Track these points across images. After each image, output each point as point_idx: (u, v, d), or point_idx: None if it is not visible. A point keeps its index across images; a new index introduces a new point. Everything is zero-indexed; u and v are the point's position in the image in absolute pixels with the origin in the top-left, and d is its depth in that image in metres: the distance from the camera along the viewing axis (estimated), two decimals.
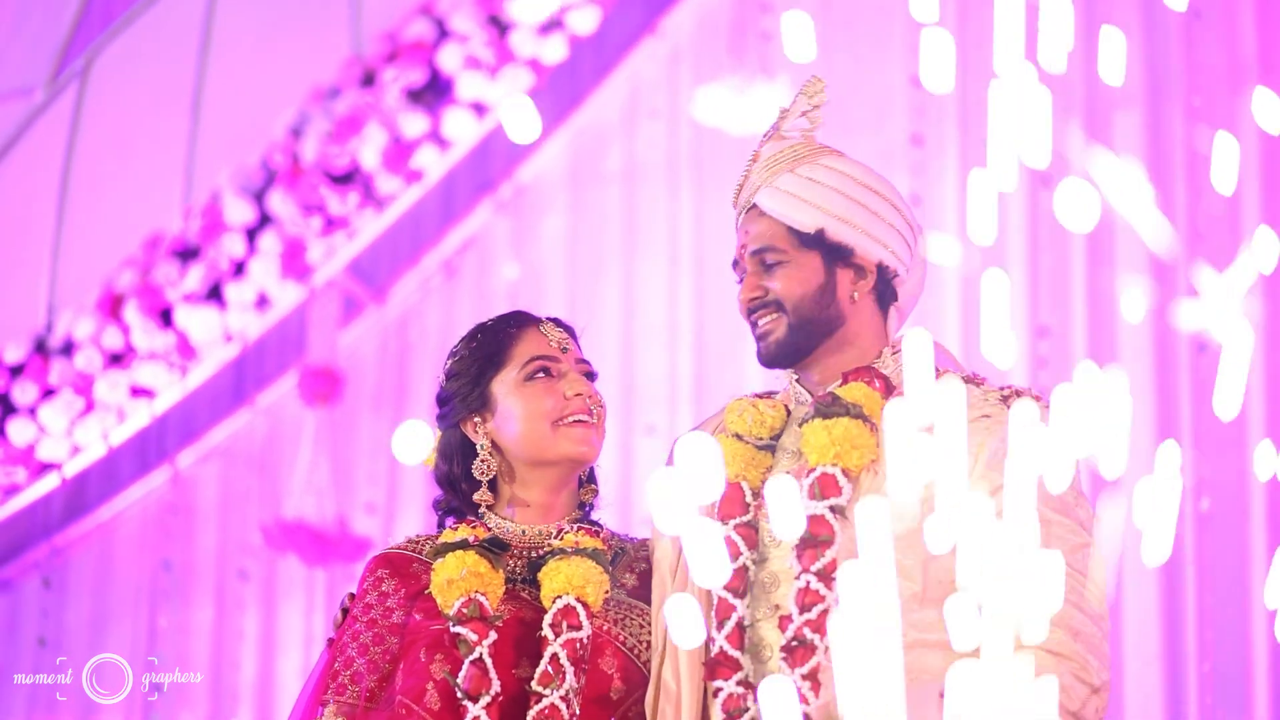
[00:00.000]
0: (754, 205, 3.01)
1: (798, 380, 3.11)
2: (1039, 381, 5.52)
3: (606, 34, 5.89)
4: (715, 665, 3.00)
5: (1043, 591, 2.69)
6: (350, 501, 6.12)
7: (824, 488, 2.94)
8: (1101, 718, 2.87)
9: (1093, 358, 5.36)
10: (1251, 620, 5.43)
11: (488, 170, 5.97)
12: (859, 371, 3.04)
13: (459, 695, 3.01)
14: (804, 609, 2.90)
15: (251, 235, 5.98)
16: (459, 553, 3.07)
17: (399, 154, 5.77)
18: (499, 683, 3.01)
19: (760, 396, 3.12)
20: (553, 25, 5.72)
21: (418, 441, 3.78)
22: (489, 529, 3.16)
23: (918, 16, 4.24)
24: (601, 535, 3.14)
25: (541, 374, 3.14)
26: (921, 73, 3.68)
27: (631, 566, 3.21)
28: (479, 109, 5.81)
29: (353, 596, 3.20)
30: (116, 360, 6.12)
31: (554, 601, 3.05)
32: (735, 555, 3.00)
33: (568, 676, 3.03)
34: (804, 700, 2.89)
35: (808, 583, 2.90)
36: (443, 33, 5.79)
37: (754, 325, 3.04)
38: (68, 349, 6.20)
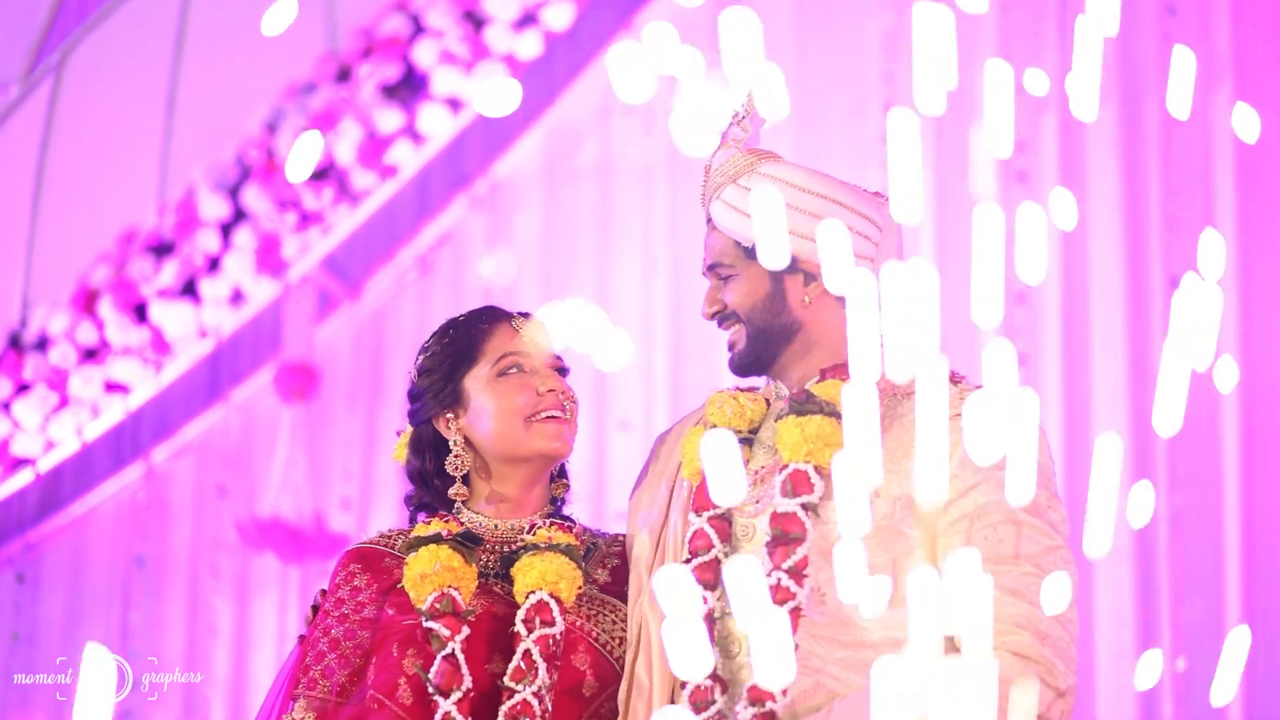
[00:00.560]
0: (710, 220, 3.04)
1: (778, 379, 3.11)
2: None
3: (581, 30, 5.87)
4: None
5: (1009, 593, 2.82)
6: (326, 498, 6.09)
7: (796, 485, 2.95)
8: None
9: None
10: (1225, 616, 5.33)
11: (463, 166, 5.95)
12: (835, 369, 3.05)
13: (430, 690, 3.00)
14: (778, 603, 2.92)
15: (226, 231, 5.98)
16: (432, 547, 3.06)
17: (374, 149, 5.80)
18: (470, 678, 3.00)
19: (742, 389, 3.12)
20: (527, 20, 5.73)
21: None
22: (462, 524, 3.14)
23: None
24: (574, 531, 3.15)
25: (514, 370, 3.14)
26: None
27: (604, 562, 3.21)
28: (454, 104, 5.82)
29: (324, 592, 3.17)
30: (91, 356, 6.12)
31: (527, 597, 3.04)
32: (708, 547, 2.99)
33: (540, 672, 3.02)
34: (771, 698, 2.89)
35: (779, 580, 2.90)
36: (418, 28, 5.80)
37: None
38: (42, 344, 6.19)
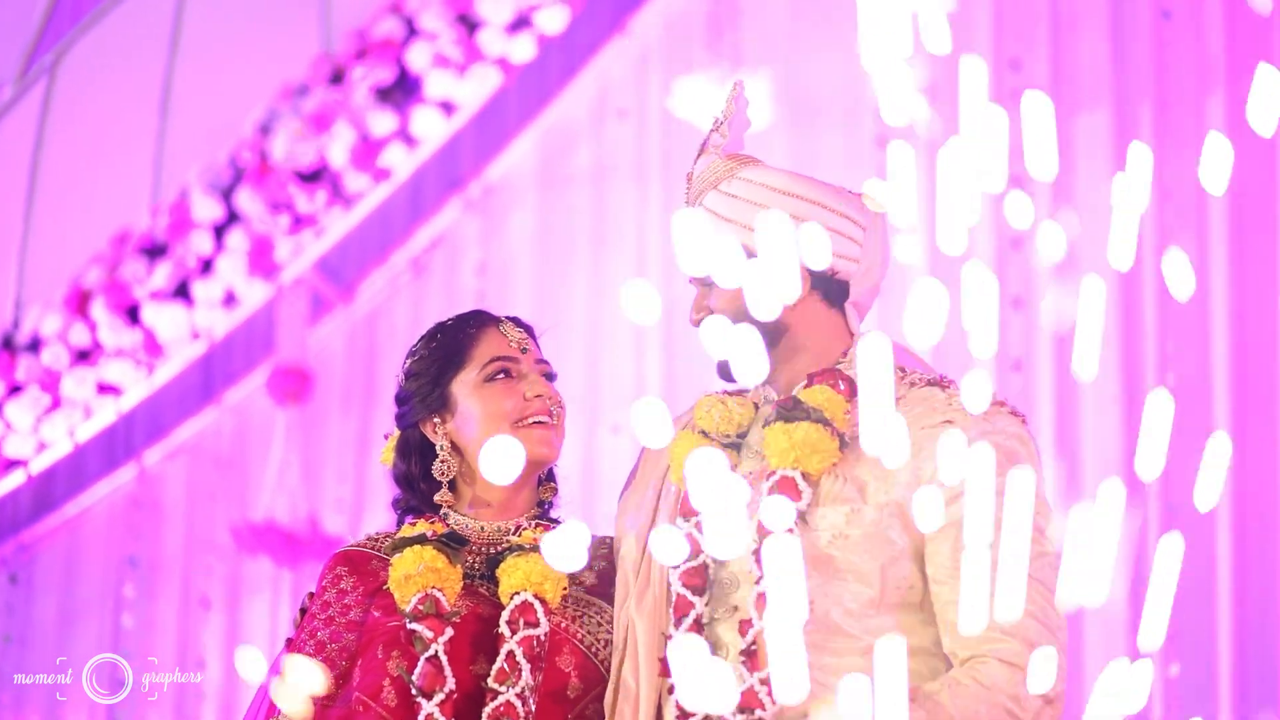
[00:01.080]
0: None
1: (766, 383, 3.09)
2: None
3: (575, 33, 5.88)
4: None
5: (1000, 598, 2.78)
6: (320, 500, 6.08)
7: (784, 492, 2.92)
8: None
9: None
10: (1216, 622, 5.30)
11: (456, 168, 5.96)
12: (824, 374, 3.01)
13: (414, 692, 2.98)
14: (764, 613, 2.92)
15: (219, 232, 5.99)
16: (416, 548, 3.05)
17: (367, 152, 5.79)
18: (454, 679, 2.98)
19: (730, 393, 3.11)
20: (521, 24, 5.72)
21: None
22: (448, 525, 3.13)
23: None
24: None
25: (502, 375, 3.11)
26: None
27: (590, 564, 3.14)
28: (447, 107, 5.82)
29: (311, 595, 3.16)
30: (83, 357, 6.14)
31: (511, 598, 3.02)
32: (696, 553, 2.98)
33: (524, 674, 3.00)
34: (760, 705, 2.87)
35: (769, 589, 2.91)
36: (411, 31, 5.81)
37: None
38: (34, 345, 6.22)
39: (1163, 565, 2.61)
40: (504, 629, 3.01)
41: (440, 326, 3.18)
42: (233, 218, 6.01)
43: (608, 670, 3.07)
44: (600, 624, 3.13)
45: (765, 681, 2.90)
